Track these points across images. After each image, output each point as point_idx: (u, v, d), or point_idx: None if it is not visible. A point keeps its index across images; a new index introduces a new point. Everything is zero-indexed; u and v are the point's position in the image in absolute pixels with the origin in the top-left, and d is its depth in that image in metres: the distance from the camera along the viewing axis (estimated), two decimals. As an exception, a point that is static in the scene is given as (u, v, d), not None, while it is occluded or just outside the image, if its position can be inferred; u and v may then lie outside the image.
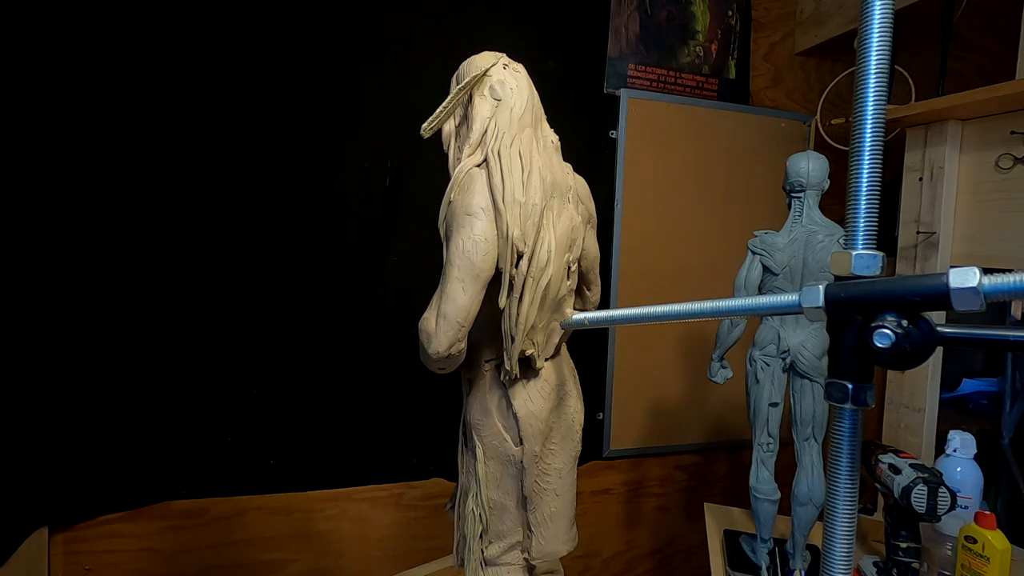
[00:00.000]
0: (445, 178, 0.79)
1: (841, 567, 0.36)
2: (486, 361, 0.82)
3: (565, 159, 0.84)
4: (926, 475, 0.90)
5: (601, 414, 1.58)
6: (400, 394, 1.38)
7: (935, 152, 1.31)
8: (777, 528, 1.13)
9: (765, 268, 1.04)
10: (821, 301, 0.36)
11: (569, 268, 0.80)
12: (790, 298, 0.38)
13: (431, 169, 0.95)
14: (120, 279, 1.17)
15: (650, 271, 1.59)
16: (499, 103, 0.77)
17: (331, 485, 1.36)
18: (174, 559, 1.27)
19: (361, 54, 1.30)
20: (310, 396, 1.32)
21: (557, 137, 0.84)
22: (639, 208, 1.57)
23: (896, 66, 1.43)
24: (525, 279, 0.73)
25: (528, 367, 0.81)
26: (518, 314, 0.74)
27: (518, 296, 0.74)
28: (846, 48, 1.66)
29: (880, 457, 1.00)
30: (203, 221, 1.22)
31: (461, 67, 0.83)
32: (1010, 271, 0.30)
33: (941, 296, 0.31)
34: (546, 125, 0.83)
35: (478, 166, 0.75)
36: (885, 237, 1.48)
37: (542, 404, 0.81)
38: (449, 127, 0.82)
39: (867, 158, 0.36)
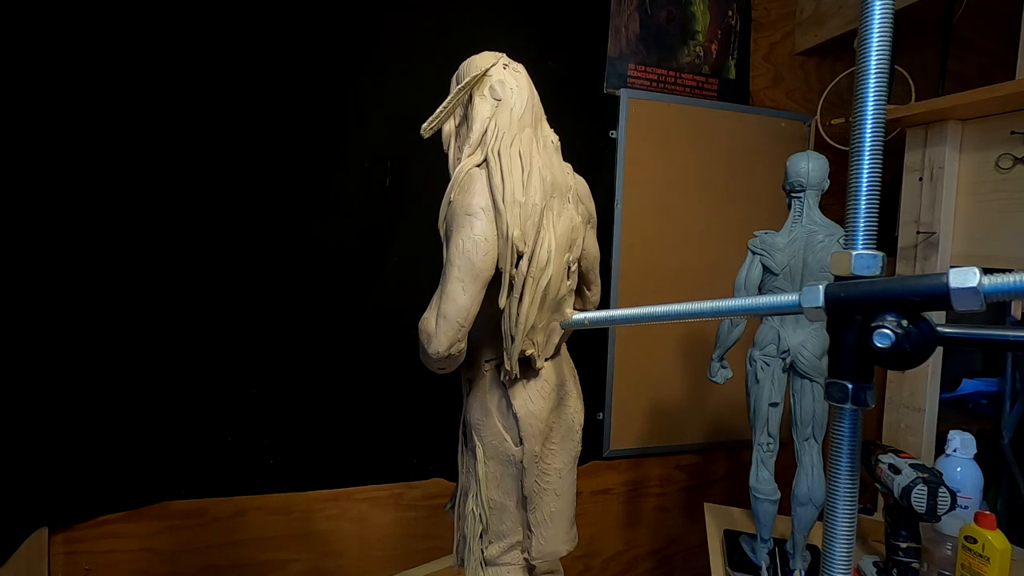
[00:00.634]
0: (445, 178, 0.79)
1: (841, 567, 0.36)
2: (486, 361, 0.82)
3: (565, 159, 0.84)
4: (926, 475, 0.90)
5: (601, 414, 1.58)
6: (400, 394, 1.38)
7: (935, 152, 1.31)
8: (777, 528, 1.13)
9: (765, 268, 1.04)
10: (821, 301, 0.36)
11: (569, 268, 0.80)
12: (790, 298, 0.38)
13: (431, 169, 0.95)
14: (120, 279, 1.17)
15: (650, 271, 1.59)
16: (499, 103, 0.77)
17: (331, 485, 1.36)
18: (174, 559, 1.27)
19: (361, 54, 1.30)
20: (310, 396, 1.32)
21: (557, 137, 0.84)
22: (639, 208, 1.57)
23: (896, 66, 1.43)
24: (525, 279, 0.73)
25: (528, 367, 0.81)
26: (518, 314, 0.74)
27: (518, 296, 0.74)
28: (846, 48, 1.66)
29: (880, 457, 1.00)
30: (203, 221, 1.22)
31: (461, 67, 0.83)
32: (1010, 271, 0.30)
33: (941, 296, 0.31)
34: (546, 125, 0.83)
35: (478, 166, 0.75)
36: (885, 237, 1.48)
37: (542, 404, 0.81)
38: (449, 127, 0.82)
39: (867, 158, 0.36)
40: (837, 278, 0.37)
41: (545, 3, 1.43)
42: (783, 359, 1.03)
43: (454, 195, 0.75)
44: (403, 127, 1.30)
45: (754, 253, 1.05)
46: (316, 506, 1.36)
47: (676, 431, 1.66)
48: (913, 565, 0.93)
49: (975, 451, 1.11)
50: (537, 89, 0.82)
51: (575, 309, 0.87)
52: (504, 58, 0.81)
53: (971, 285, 0.30)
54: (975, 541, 0.95)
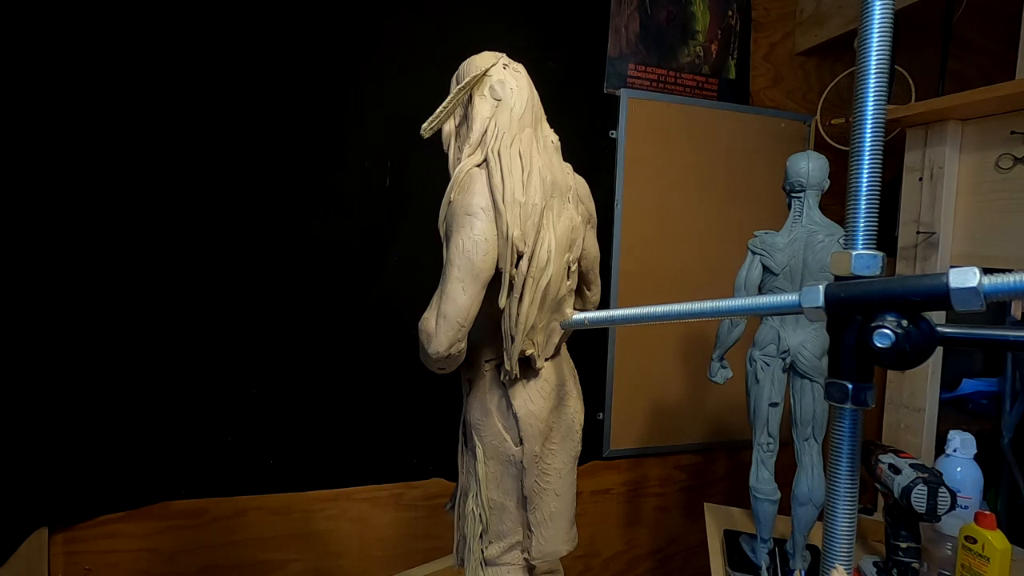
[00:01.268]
0: (445, 178, 0.79)
1: (841, 567, 0.36)
2: (486, 361, 0.82)
3: (565, 159, 0.84)
4: (926, 475, 0.90)
5: (601, 414, 1.58)
6: (400, 394, 1.38)
7: (935, 152, 1.31)
8: (777, 528, 1.13)
9: (765, 268, 1.04)
10: (821, 301, 0.36)
11: (569, 268, 0.80)
12: (790, 298, 0.38)
13: (431, 169, 0.95)
14: (120, 279, 1.17)
15: (650, 271, 1.59)
16: (499, 103, 0.77)
17: (331, 485, 1.36)
18: (174, 559, 1.27)
19: (361, 54, 1.30)
20: (310, 396, 1.32)
21: (557, 137, 0.84)
22: (639, 208, 1.57)
23: (896, 66, 1.43)
24: (525, 279, 0.73)
25: (528, 367, 0.81)
26: (518, 314, 0.74)
27: (518, 296, 0.74)
28: (846, 48, 1.66)
29: (880, 457, 1.00)
30: (203, 221, 1.22)
31: (461, 67, 0.83)
32: (1010, 271, 0.30)
33: (941, 296, 0.31)
34: (546, 125, 0.83)
35: (478, 166, 0.75)
36: (885, 237, 1.48)
37: (542, 404, 0.81)
38: (449, 127, 0.82)
39: (867, 158, 0.36)
40: (837, 278, 0.37)
41: (545, 3, 1.43)
42: (783, 359, 1.03)
43: (454, 195, 0.75)
44: (403, 127, 1.30)
45: (754, 253, 1.05)
46: (316, 506, 1.36)
47: (676, 431, 1.66)
48: (913, 565, 0.93)
49: (975, 451, 1.11)
50: (537, 89, 0.82)
51: (575, 309, 0.87)
52: (504, 58, 0.81)
53: (971, 285, 0.30)
54: (975, 541, 0.95)
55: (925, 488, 0.88)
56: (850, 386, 0.35)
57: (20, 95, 1.08)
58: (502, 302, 0.74)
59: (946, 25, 1.40)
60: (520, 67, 0.82)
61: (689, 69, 1.60)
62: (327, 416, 1.33)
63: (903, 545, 0.94)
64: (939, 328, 0.33)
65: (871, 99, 0.35)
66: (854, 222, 0.37)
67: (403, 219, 1.35)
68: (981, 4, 1.43)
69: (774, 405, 1.05)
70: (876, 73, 0.35)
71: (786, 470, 1.09)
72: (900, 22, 1.40)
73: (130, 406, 1.19)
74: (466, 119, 0.80)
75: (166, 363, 1.21)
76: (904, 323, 0.32)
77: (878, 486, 1.00)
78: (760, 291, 1.06)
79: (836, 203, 1.55)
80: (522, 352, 0.77)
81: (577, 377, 0.91)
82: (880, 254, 0.36)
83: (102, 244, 1.15)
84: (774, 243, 1.03)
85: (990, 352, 1.76)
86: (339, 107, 1.29)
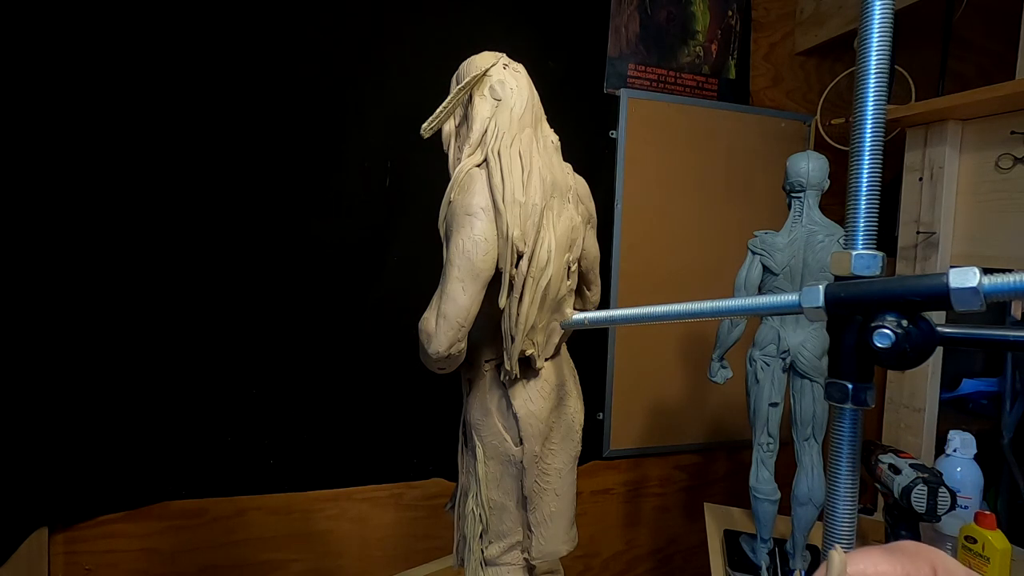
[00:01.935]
0: (445, 178, 0.79)
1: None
2: (486, 361, 0.82)
3: (565, 159, 0.84)
4: (926, 475, 0.90)
5: (601, 414, 1.58)
6: (400, 394, 1.37)
7: (935, 152, 1.31)
8: (777, 528, 1.13)
9: (765, 268, 1.04)
10: (821, 301, 0.36)
11: (569, 268, 0.80)
12: (790, 298, 0.38)
13: (431, 169, 0.95)
14: (120, 279, 1.17)
15: (650, 271, 1.59)
16: (499, 103, 0.77)
17: (331, 485, 1.36)
18: (174, 559, 1.27)
19: (361, 54, 1.30)
20: (310, 396, 1.32)
21: (557, 137, 0.84)
22: (639, 208, 1.56)
23: (896, 66, 1.43)
24: (525, 279, 0.73)
25: (528, 367, 0.81)
26: (518, 314, 0.74)
27: (518, 296, 0.74)
28: (846, 48, 1.66)
29: (880, 457, 1.00)
30: (203, 221, 1.22)
31: (461, 67, 0.83)
32: (1010, 271, 0.30)
33: (941, 296, 0.31)
34: (546, 125, 0.83)
35: (478, 166, 0.75)
36: (885, 237, 1.48)
37: (542, 404, 0.81)
38: (449, 127, 0.82)
39: (867, 158, 0.36)
40: (837, 278, 0.37)
41: (545, 3, 1.43)
42: (783, 359, 1.03)
43: (454, 195, 0.75)
44: (403, 127, 1.29)
45: (754, 253, 1.05)
46: (316, 506, 1.36)
47: (676, 431, 1.66)
48: (913, 565, 0.93)
49: (975, 451, 1.11)
50: (537, 89, 0.82)
51: (575, 309, 0.87)
52: (504, 58, 0.81)
53: (971, 285, 0.30)
54: (975, 541, 0.95)
55: (925, 488, 0.88)
56: (850, 386, 0.35)
57: (21, 97, 1.08)
58: (502, 302, 0.74)
59: (946, 25, 1.40)
60: (520, 67, 0.82)
61: (689, 69, 1.60)
62: (327, 416, 1.33)
63: (903, 545, 0.94)
64: (939, 328, 0.33)
65: (871, 99, 0.35)
66: (854, 222, 0.37)
67: (403, 219, 1.35)
68: (981, 4, 1.43)
69: (774, 405, 1.05)
70: (876, 73, 0.35)
71: (786, 470, 1.09)
72: (900, 22, 1.40)
73: (130, 406, 1.19)
74: (466, 119, 0.80)
75: (166, 363, 1.21)
76: (904, 323, 0.32)
77: (878, 486, 1.00)
78: (760, 291, 1.06)
79: (836, 203, 1.55)
80: (522, 352, 0.77)
81: (577, 377, 0.91)
82: (880, 254, 0.36)
83: (102, 244, 1.15)
84: (774, 243, 1.03)
85: (990, 352, 1.76)
86: (339, 107, 1.29)
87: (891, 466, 0.96)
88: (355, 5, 1.28)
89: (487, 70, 0.78)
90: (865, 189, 0.36)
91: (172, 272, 1.20)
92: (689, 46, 1.60)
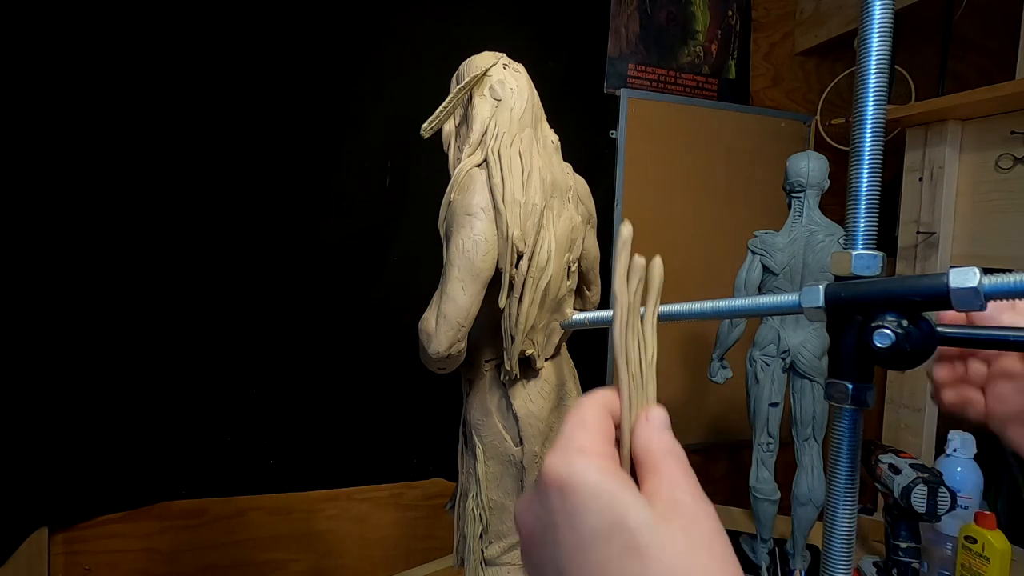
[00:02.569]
0: (445, 178, 0.79)
1: (841, 567, 0.36)
2: (486, 361, 0.82)
3: (565, 159, 0.84)
4: (926, 475, 0.90)
5: (601, 414, 1.58)
6: (400, 394, 1.37)
7: (935, 152, 1.31)
8: (777, 528, 1.13)
9: (765, 268, 1.04)
10: (821, 301, 0.36)
11: (569, 268, 0.80)
12: (790, 298, 0.38)
13: (431, 169, 0.95)
14: (120, 279, 1.17)
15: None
16: (499, 103, 0.77)
17: (331, 485, 1.36)
18: (174, 559, 1.27)
19: (361, 54, 1.30)
20: (310, 396, 1.32)
21: (557, 137, 0.84)
22: (639, 208, 1.56)
23: (896, 66, 1.43)
24: (525, 279, 0.73)
25: (528, 367, 0.81)
26: (518, 314, 0.74)
27: (518, 296, 0.74)
28: (846, 48, 1.66)
29: (880, 457, 1.00)
30: (203, 221, 1.22)
31: (461, 67, 0.82)
32: (1010, 271, 0.30)
33: (941, 296, 0.31)
34: (546, 125, 0.83)
35: (478, 166, 0.75)
36: (885, 237, 1.48)
37: (542, 404, 0.81)
38: (449, 127, 0.82)
39: (867, 158, 0.36)
40: (837, 278, 0.37)
41: (545, 3, 1.43)
42: (783, 359, 1.03)
43: (454, 195, 0.75)
44: (403, 127, 1.29)
45: (754, 253, 1.05)
46: (316, 506, 1.36)
47: (676, 431, 1.63)
48: (913, 565, 0.93)
49: (975, 451, 1.11)
50: (537, 89, 0.82)
51: (575, 309, 0.87)
52: (504, 58, 0.81)
53: (971, 285, 0.30)
54: (975, 541, 0.95)
55: (925, 488, 0.88)
56: (850, 386, 0.35)
57: (21, 97, 1.08)
58: (502, 302, 0.74)
59: (946, 25, 1.40)
60: (520, 67, 0.82)
61: (689, 69, 1.60)
62: (327, 416, 1.33)
63: (903, 545, 0.94)
64: (939, 328, 0.33)
65: (871, 99, 0.35)
66: (854, 222, 0.37)
67: (403, 219, 1.35)
68: (981, 4, 1.43)
69: (774, 405, 1.05)
70: (876, 73, 0.35)
71: (786, 470, 1.09)
72: (900, 22, 1.39)
73: (130, 406, 1.19)
74: (466, 119, 0.80)
75: (166, 363, 1.21)
76: (904, 323, 0.32)
77: (878, 486, 1.00)
78: (760, 291, 1.06)
79: (836, 203, 1.55)
80: (522, 352, 0.77)
81: (577, 377, 0.91)
82: (880, 254, 0.36)
83: (102, 244, 1.15)
84: (774, 243, 1.03)
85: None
86: (339, 107, 1.29)
87: (891, 466, 0.96)
88: (355, 5, 1.28)
89: (487, 70, 0.78)
90: (865, 189, 0.36)
91: (172, 272, 1.20)
92: (689, 46, 1.60)
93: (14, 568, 1.05)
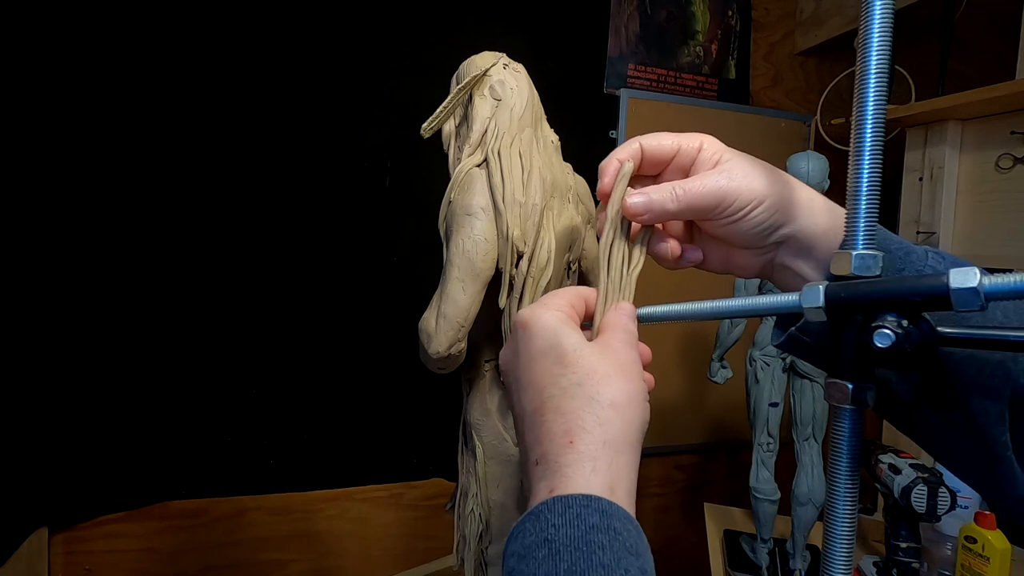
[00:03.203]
0: (445, 178, 0.79)
1: (841, 567, 0.36)
2: (486, 361, 0.82)
3: (565, 159, 0.84)
4: (926, 475, 0.90)
5: (601, 414, 1.58)
6: (400, 394, 1.37)
7: (935, 152, 1.31)
8: (777, 528, 1.13)
9: (765, 268, 1.04)
10: (821, 301, 0.36)
11: (569, 268, 0.80)
12: (790, 298, 0.38)
13: (431, 169, 0.95)
14: (120, 279, 1.17)
15: (649, 271, 1.58)
16: (499, 103, 0.77)
17: (331, 485, 1.36)
18: (174, 559, 1.27)
19: (361, 54, 1.30)
20: (310, 396, 1.32)
21: (557, 137, 0.84)
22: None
23: (896, 66, 1.43)
24: (525, 279, 0.73)
25: (528, 367, 0.81)
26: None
27: (518, 296, 0.74)
28: (846, 48, 1.66)
29: (880, 457, 1.00)
30: (203, 221, 1.22)
31: (461, 67, 0.82)
32: (1010, 271, 0.30)
33: (941, 296, 0.31)
34: (546, 125, 0.83)
35: (478, 166, 0.75)
36: (885, 237, 1.47)
37: (542, 404, 0.81)
38: (449, 127, 0.82)
39: (867, 158, 0.36)
40: (837, 278, 0.37)
41: (545, 3, 1.43)
42: (783, 359, 1.03)
43: (454, 195, 0.75)
44: (403, 127, 1.30)
45: (754, 253, 1.05)
46: (316, 506, 1.36)
47: (676, 431, 1.66)
48: (913, 565, 0.93)
49: (975, 451, 1.11)
50: (537, 89, 0.82)
51: (575, 309, 0.87)
52: (504, 58, 0.81)
53: (971, 285, 0.30)
54: (975, 541, 0.95)
55: (925, 488, 0.88)
56: (850, 386, 0.35)
57: (21, 96, 1.08)
58: (502, 302, 0.74)
59: (946, 25, 1.40)
60: (520, 67, 0.82)
61: (689, 69, 1.60)
62: (327, 416, 1.33)
63: (903, 545, 0.94)
64: (939, 328, 0.33)
65: (871, 99, 0.35)
66: (854, 222, 0.37)
67: (403, 219, 1.35)
68: (981, 4, 1.43)
69: (774, 405, 1.05)
70: (876, 73, 0.35)
71: (786, 470, 1.09)
72: (900, 22, 1.39)
73: (130, 406, 1.19)
74: (466, 119, 0.80)
75: (166, 363, 1.21)
76: (904, 323, 0.32)
77: (878, 486, 1.00)
78: (760, 291, 1.06)
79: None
80: (522, 352, 0.77)
81: (577, 377, 0.90)
82: (880, 254, 0.36)
83: (102, 244, 1.15)
84: (774, 243, 1.03)
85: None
86: (339, 107, 1.29)
87: (891, 466, 0.96)
88: (355, 5, 1.28)
89: (487, 70, 0.78)
90: (865, 189, 0.36)
91: (172, 272, 1.20)
92: (689, 46, 1.60)
93: (14, 568, 1.05)
